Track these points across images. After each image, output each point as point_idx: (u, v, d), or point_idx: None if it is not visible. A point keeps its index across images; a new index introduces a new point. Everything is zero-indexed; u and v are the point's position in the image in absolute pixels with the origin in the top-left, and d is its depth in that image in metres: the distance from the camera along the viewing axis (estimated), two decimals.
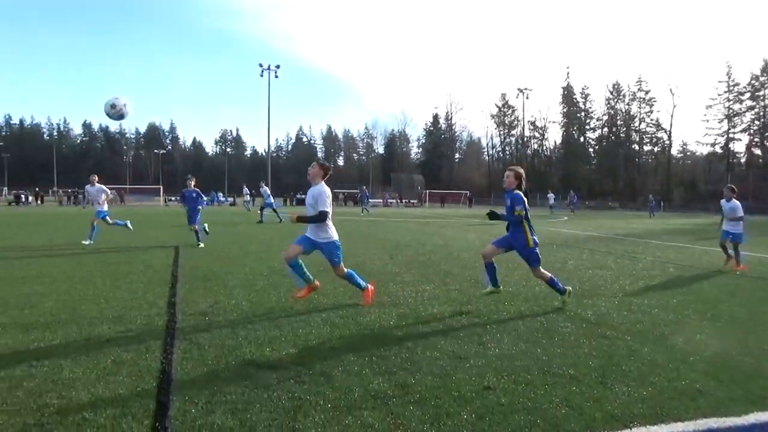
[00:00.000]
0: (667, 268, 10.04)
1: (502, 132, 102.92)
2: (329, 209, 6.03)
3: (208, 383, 3.76)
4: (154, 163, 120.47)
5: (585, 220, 30.88)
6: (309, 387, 3.71)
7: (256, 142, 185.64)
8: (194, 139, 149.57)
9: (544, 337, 5.11)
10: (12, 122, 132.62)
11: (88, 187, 14.37)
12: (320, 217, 5.97)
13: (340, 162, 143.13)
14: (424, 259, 10.85)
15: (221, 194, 72.41)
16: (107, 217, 13.78)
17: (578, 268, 9.84)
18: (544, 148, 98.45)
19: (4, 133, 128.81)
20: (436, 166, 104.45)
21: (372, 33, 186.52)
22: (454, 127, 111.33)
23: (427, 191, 74.46)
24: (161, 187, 66.62)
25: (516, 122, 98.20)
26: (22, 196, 58.46)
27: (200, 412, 3.26)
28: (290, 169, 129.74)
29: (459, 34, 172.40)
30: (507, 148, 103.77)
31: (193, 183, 13.70)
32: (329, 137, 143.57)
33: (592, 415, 3.32)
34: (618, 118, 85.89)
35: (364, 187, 41.67)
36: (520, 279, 8.38)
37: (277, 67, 62.51)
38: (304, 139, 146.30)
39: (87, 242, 12.88)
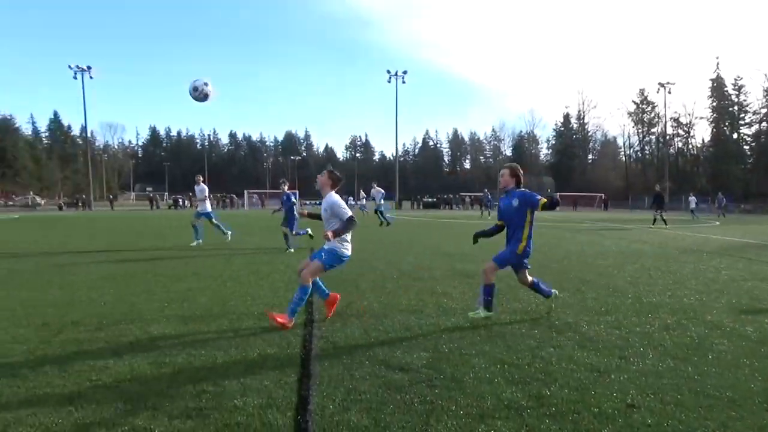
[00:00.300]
0: None
1: (640, 130, 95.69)
2: (350, 212, 5.60)
3: (344, 381, 3.91)
4: (290, 169, 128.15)
5: (739, 226, 27.70)
6: (440, 392, 3.72)
7: (384, 146, 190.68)
8: (326, 145, 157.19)
9: (696, 354, 4.67)
10: (171, 134, 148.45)
11: (195, 186, 14.96)
12: (353, 222, 5.50)
13: (467, 165, 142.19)
14: (556, 265, 10.42)
15: (351, 198, 75.07)
16: (213, 218, 14.54)
17: (734, 279, 8.87)
18: (690, 146, 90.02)
19: (165, 144, 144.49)
20: (567, 167, 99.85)
21: (499, 33, 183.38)
22: (586, 127, 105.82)
23: (558, 194, 71.37)
24: (297, 191, 70.63)
25: (656, 119, 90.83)
26: (179, 200, 65.14)
27: (337, 409, 3.41)
28: (417, 173, 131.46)
29: (591, 27, 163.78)
30: (646, 147, 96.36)
31: (286, 187, 14.12)
32: (455, 140, 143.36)
33: None
34: None
35: (486, 190, 40.65)
36: (664, 289, 7.74)
37: (404, 73, 63.74)
38: (431, 143, 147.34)
39: (195, 243, 13.80)
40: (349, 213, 5.51)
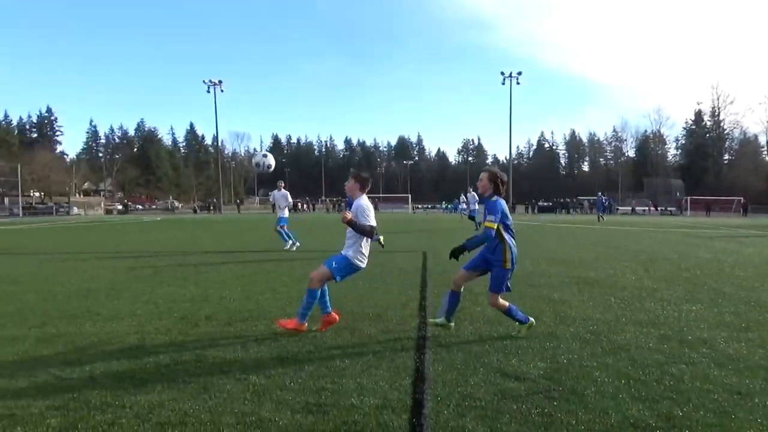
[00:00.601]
0: None
1: None
2: (373, 222, 5.29)
3: (458, 387, 3.89)
4: (403, 173, 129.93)
5: None
6: (560, 404, 3.58)
7: (497, 149, 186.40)
8: (438, 149, 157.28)
9: None
10: (291, 141, 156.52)
11: (274, 192, 14.87)
12: (368, 231, 5.18)
13: (585, 168, 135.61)
14: (687, 274, 9.61)
15: (457, 200, 74.48)
16: (285, 226, 14.29)
17: None
18: None
19: (285, 151, 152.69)
20: (699, 169, 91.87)
21: (620, 28, 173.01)
22: (722, 124, 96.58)
23: (688, 198, 65.77)
24: (409, 195, 71.35)
25: None
26: (298, 204, 68.55)
27: (452, 415, 3.40)
28: (531, 177, 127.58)
29: (726, 15, 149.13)
30: None
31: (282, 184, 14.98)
32: (572, 141, 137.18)
33: None
34: None
35: (600, 194, 38.23)
36: None
37: (519, 74, 62.30)
38: (546, 145, 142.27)
39: (288, 246, 13.89)
40: (372, 223, 5.21)
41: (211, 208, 68.80)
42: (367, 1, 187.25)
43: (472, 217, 24.33)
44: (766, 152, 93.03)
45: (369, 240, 5.38)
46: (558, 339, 5.22)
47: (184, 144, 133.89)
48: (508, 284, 5.28)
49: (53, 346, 4.93)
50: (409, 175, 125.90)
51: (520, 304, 6.75)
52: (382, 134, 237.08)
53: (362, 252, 5.33)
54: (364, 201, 5.34)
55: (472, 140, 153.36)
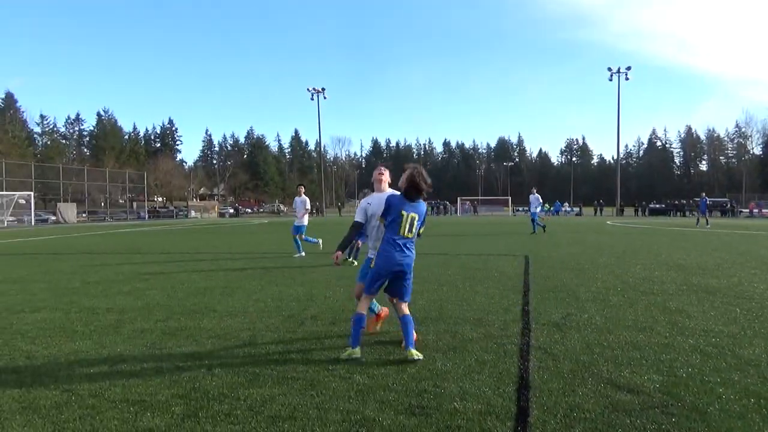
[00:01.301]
0: None
1: None
2: (359, 219, 5.10)
3: (565, 396, 3.75)
4: (503, 175, 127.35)
5: None
6: (679, 421, 3.34)
7: (604, 149, 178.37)
8: (540, 150, 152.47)
9: None
10: (390, 145, 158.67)
11: (297, 198, 14.43)
12: (351, 229, 5.12)
13: (703, 167, 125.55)
14: None
15: (566, 204, 71.77)
16: (302, 234, 13.76)
17: None
18: None
19: (385, 155, 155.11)
20: None
21: (736, 13, 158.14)
22: None
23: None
24: (509, 197, 69.84)
25: None
26: None
27: (559, 425, 3.28)
28: (640, 177, 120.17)
29: None
30: None
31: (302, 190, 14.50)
32: (688, 139, 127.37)
33: None
34: None
35: (704, 194, 34.88)
36: None
37: (628, 69, 59.08)
38: (658, 143, 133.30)
39: (298, 255, 13.19)
40: (356, 218, 5.13)
41: (314, 211, 71.49)
42: (465, 2, 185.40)
43: (532, 220, 23.20)
44: None
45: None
46: (675, 351, 4.87)
47: (289, 150, 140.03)
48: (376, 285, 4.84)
49: (176, 339, 5.35)
50: (509, 176, 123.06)
51: (630, 312, 6.42)
52: (481, 136, 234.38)
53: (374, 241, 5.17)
54: (377, 197, 5.15)
55: (576, 140, 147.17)
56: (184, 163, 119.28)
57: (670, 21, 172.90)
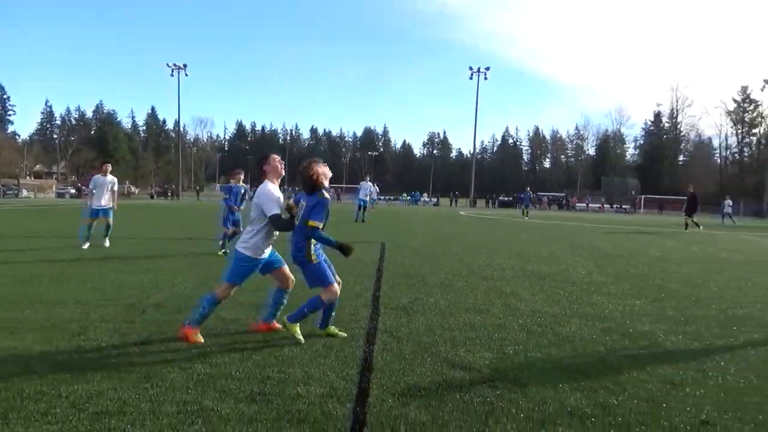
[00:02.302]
0: None
1: (740, 131, 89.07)
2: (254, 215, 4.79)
3: (404, 376, 3.93)
4: (368, 164, 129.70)
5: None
6: (502, 393, 3.66)
7: (462, 144, 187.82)
8: (404, 141, 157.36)
9: None
10: (256, 128, 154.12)
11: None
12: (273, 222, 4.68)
13: (546, 164, 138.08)
14: (635, 270, 9.93)
15: (425, 195, 75.08)
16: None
17: None
18: None
19: (249, 138, 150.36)
20: (654, 169, 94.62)
21: (584, 27, 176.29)
22: (679, 126, 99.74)
23: (642, 197, 67.90)
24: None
25: (759, 119, 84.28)
26: None
27: (396, 403, 3.43)
28: (494, 172, 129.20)
29: (688, 20, 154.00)
30: (745, 149, 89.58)
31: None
32: (536, 138, 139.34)
33: None
34: None
35: (528, 188, 38.62)
36: (753, 301, 7.20)
37: (487, 69, 62.97)
38: (510, 141, 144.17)
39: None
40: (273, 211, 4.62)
41: (170, 194, 67.22)
42: None
43: (361, 207, 22.82)
44: (718, 155, 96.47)
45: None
46: (506, 330, 5.32)
47: (144, 128, 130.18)
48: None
49: None
50: (374, 166, 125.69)
51: (470, 296, 6.89)
52: (348, 124, 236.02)
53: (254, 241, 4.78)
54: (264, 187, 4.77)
55: (438, 134, 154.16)
56: (17, 137, 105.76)
57: (522, 28, 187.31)
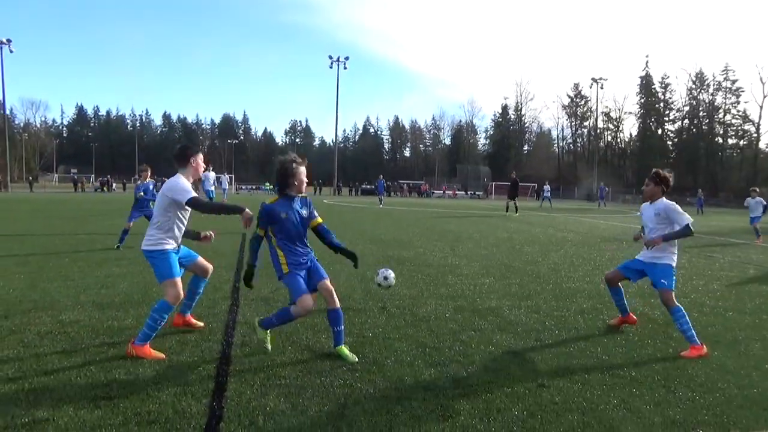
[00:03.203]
0: (746, 270, 9.42)
1: (573, 123, 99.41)
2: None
3: (265, 367, 3.88)
4: (227, 153, 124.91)
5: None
6: (361, 375, 3.76)
7: (325, 132, 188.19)
8: (265, 129, 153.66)
9: (606, 336, 4.94)
10: (99, 113, 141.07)
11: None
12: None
13: (407, 153, 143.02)
14: (485, 252, 10.70)
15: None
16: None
17: None
18: (619, 140, 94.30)
19: (92, 124, 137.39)
20: (503, 158, 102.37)
21: (440, 22, 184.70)
22: (523, 118, 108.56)
23: (494, 183, 73.29)
24: (233, 175, 68.90)
25: (589, 113, 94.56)
26: (107, 182, 62.27)
27: (255, 394, 3.37)
28: (357, 160, 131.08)
29: (531, 20, 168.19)
30: (578, 140, 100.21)
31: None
32: (396, 128, 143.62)
33: (651, 419, 3.17)
34: (701, 109, 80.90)
35: (381, 176, 39.98)
36: (583, 275, 8.11)
37: (346, 58, 63.39)
38: (371, 130, 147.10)
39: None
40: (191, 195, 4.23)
41: None
42: None
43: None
44: (556, 145, 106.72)
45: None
46: (367, 314, 5.46)
47: None
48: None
49: None
50: (234, 154, 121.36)
51: (334, 284, 6.93)
52: (205, 111, 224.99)
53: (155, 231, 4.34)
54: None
55: (300, 122, 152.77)
56: None
57: (383, 20, 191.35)
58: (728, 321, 5.64)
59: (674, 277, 4.77)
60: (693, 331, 4.47)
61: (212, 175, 22.30)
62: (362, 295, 6.35)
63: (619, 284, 5.23)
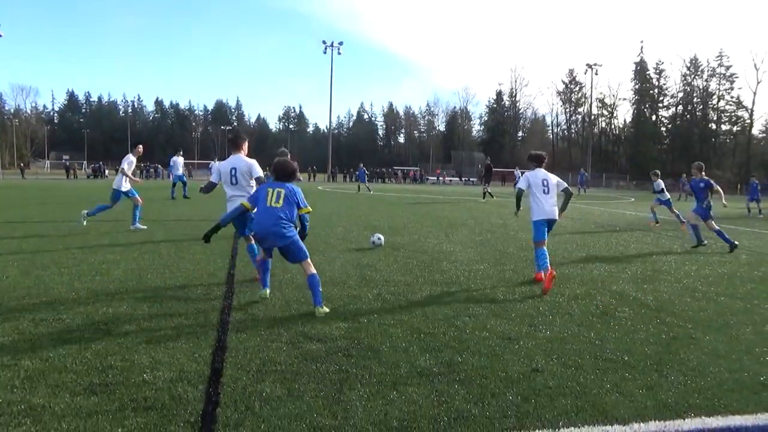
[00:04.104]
0: (739, 255, 9.49)
1: (568, 109, 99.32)
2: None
3: (260, 353, 3.89)
4: (221, 139, 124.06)
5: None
6: (356, 361, 3.78)
7: (319, 119, 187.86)
8: (258, 115, 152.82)
9: (599, 321, 4.97)
10: (91, 99, 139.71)
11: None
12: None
13: (401, 139, 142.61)
14: (480, 238, 10.73)
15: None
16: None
17: (641, 252, 9.47)
18: (613, 126, 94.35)
19: (84, 110, 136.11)
20: (498, 144, 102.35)
21: (435, 8, 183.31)
22: (518, 105, 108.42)
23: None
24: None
25: (583, 99, 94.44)
26: (100, 168, 61.85)
27: (251, 380, 3.39)
28: (351, 146, 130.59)
29: (525, 6, 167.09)
30: (573, 126, 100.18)
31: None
32: (390, 114, 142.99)
33: (643, 403, 3.21)
34: (695, 95, 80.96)
35: (361, 164, 39.48)
36: (577, 261, 8.16)
37: (340, 44, 62.97)
38: (365, 116, 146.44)
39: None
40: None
41: None
42: None
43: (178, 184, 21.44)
44: (551, 131, 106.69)
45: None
46: (362, 301, 5.47)
47: None
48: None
49: None
50: (227, 141, 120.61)
51: (329, 270, 6.97)
52: (198, 97, 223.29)
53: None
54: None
55: (294, 108, 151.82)
56: None
57: (375, 5, 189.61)
58: (720, 306, 5.69)
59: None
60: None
61: (181, 160, 21.81)
62: (357, 281, 6.36)
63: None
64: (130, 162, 11.36)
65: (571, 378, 3.56)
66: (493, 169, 27.28)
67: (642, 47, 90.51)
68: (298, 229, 5.25)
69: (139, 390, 3.20)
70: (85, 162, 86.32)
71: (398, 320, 4.81)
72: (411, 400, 3.16)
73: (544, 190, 6.90)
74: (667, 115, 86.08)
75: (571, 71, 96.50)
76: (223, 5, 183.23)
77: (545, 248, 6.56)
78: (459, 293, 5.91)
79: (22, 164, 69.14)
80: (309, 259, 5.08)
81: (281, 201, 5.01)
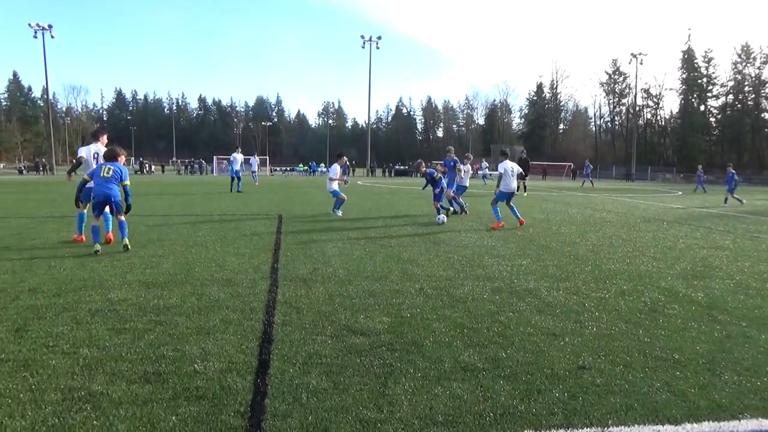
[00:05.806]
0: None
1: (611, 101, 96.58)
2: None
3: (306, 346, 3.95)
4: (261, 135, 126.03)
5: (700, 196, 28.49)
6: (400, 355, 3.80)
7: (357, 113, 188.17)
8: (298, 111, 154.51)
9: (648, 318, 4.85)
10: (138, 97, 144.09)
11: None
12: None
13: (440, 133, 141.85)
14: (521, 232, 10.59)
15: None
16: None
17: (691, 247, 9.17)
18: (659, 117, 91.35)
19: (131, 108, 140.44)
20: (538, 137, 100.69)
21: (474, 1, 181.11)
22: (559, 96, 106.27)
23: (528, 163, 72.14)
24: (267, 157, 69.57)
25: (627, 90, 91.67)
26: (146, 164, 63.70)
27: (297, 372, 3.45)
28: (389, 141, 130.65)
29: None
30: (616, 118, 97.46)
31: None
32: (429, 108, 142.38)
33: (696, 402, 3.13)
34: (746, 83, 77.49)
35: (345, 158, 39.09)
36: (623, 257, 7.96)
37: (378, 38, 62.85)
38: (404, 111, 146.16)
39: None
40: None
41: (41, 168, 61.26)
42: None
43: (235, 179, 23.45)
44: (593, 123, 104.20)
45: None
46: (404, 295, 5.49)
47: (5, 96, 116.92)
48: None
49: None
50: (268, 136, 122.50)
51: (369, 264, 7.02)
52: (239, 94, 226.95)
53: None
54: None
55: (333, 103, 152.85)
56: None
57: (416, 1, 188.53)
58: None
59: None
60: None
61: (240, 157, 23.70)
62: (399, 276, 6.38)
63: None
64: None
65: (619, 376, 3.49)
66: (530, 163, 26.72)
67: (689, 35, 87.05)
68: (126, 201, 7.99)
69: (191, 379, 3.31)
70: (132, 158, 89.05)
71: (441, 315, 4.81)
72: (455, 395, 3.16)
73: (510, 174, 11.77)
74: (716, 105, 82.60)
75: (614, 61, 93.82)
76: (262, 3, 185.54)
77: (498, 208, 11.59)
78: (502, 289, 5.86)
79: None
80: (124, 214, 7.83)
81: (110, 173, 7.80)
